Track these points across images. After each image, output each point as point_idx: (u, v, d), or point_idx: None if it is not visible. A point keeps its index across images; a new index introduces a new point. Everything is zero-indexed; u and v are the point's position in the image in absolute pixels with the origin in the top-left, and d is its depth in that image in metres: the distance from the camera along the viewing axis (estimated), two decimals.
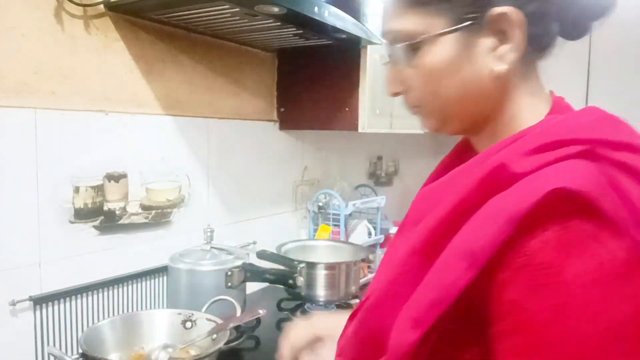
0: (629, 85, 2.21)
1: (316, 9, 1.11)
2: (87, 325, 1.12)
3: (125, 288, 1.22)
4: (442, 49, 0.53)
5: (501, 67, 0.53)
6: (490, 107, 0.56)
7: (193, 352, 0.97)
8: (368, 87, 1.51)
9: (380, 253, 2.03)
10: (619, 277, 0.41)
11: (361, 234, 1.89)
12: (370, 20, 1.36)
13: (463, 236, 0.46)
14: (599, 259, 0.41)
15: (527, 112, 0.55)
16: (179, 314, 1.06)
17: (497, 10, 0.51)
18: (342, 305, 1.38)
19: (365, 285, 1.89)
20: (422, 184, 0.63)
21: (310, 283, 1.29)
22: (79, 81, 1.09)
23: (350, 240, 1.83)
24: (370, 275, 1.95)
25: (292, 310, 1.36)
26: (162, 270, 1.29)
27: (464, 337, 0.48)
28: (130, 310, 1.23)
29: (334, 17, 1.18)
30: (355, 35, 1.30)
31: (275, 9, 1.05)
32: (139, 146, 1.24)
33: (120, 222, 1.21)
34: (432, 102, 0.57)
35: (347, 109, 1.54)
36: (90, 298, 1.14)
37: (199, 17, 1.16)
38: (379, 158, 2.46)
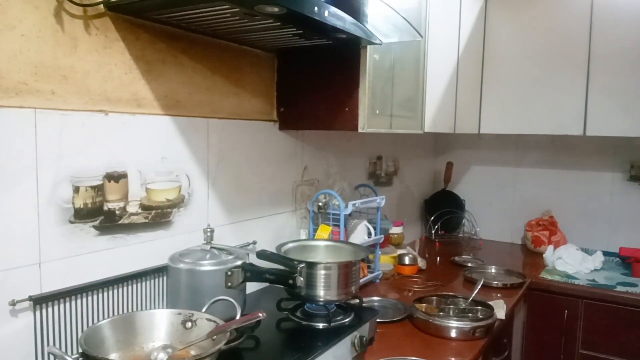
0: (628, 85, 2.21)
1: (316, 9, 1.11)
2: (87, 325, 1.12)
3: (125, 288, 1.22)
4: None
5: None
6: None
7: (193, 352, 0.97)
8: (368, 87, 1.51)
9: (380, 253, 2.03)
10: None
11: (361, 234, 1.89)
12: (370, 20, 1.36)
13: None
14: None
15: None
16: (179, 314, 1.05)
17: None
18: (342, 306, 1.38)
19: (365, 285, 1.89)
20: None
21: (310, 283, 1.29)
22: (79, 81, 1.09)
23: (350, 240, 1.83)
24: (370, 275, 1.95)
25: (292, 310, 1.36)
26: (162, 270, 1.29)
27: None
28: (130, 310, 1.23)
29: (334, 17, 1.18)
30: (355, 35, 1.30)
31: (275, 9, 1.05)
32: (139, 146, 1.24)
33: (120, 222, 1.21)
34: None
35: (347, 109, 1.54)
36: (90, 298, 1.14)
37: (199, 17, 1.16)
38: (379, 158, 2.46)
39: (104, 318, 1.13)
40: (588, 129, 2.30)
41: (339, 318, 1.31)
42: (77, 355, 0.92)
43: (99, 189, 1.15)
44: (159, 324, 1.04)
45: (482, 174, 3.00)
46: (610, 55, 2.23)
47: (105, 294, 1.18)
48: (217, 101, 1.46)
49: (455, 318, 1.54)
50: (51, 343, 1.07)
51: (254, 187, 1.64)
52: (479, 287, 1.71)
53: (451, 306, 1.68)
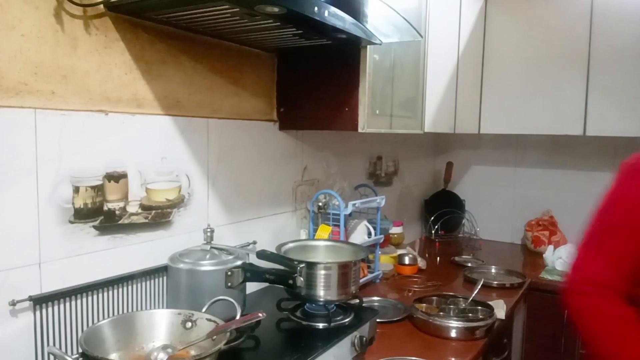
0: (628, 85, 2.21)
1: (316, 9, 1.11)
2: (87, 325, 1.12)
3: (125, 288, 1.22)
4: None
5: None
6: None
7: (193, 352, 0.97)
8: (368, 87, 1.51)
9: (380, 253, 2.03)
10: None
11: (361, 234, 1.89)
12: (370, 20, 1.36)
13: None
14: None
15: None
16: (179, 314, 1.05)
17: None
18: (342, 306, 1.38)
19: (365, 285, 1.89)
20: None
21: (310, 283, 1.29)
22: (79, 81, 1.09)
23: (350, 240, 1.83)
24: (370, 275, 1.95)
25: (292, 310, 1.36)
26: (162, 270, 1.29)
27: None
28: (130, 310, 1.23)
29: (334, 17, 1.18)
30: (355, 35, 1.30)
31: (275, 9, 1.05)
32: (139, 146, 1.24)
33: (120, 222, 1.21)
34: None
35: (347, 109, 1.54)
36: (90, 298, 1.14)
37: (199, 17, 1.16)
38: (379, 158, 2.46)
39: (104, 318, 1.13)
40: (588, 129, 2.29)
41: (339, 318, 1.31)
42: (77, 355, 0.92)
43: (99, 189, 1.15)
44: (159, 324, 1.04)
45: (482, 174, 3.00)
46: (610, 55, 2.23)
47: (105, 294, 1.18)
48: (217, 101, 1.46)
49: (455, 318, 1.54)
50: (51, 343, 1.07)
51: (254, 187, 1.64)
52: (479, 287, 1.71)
53: (451, 306, 1.68)
